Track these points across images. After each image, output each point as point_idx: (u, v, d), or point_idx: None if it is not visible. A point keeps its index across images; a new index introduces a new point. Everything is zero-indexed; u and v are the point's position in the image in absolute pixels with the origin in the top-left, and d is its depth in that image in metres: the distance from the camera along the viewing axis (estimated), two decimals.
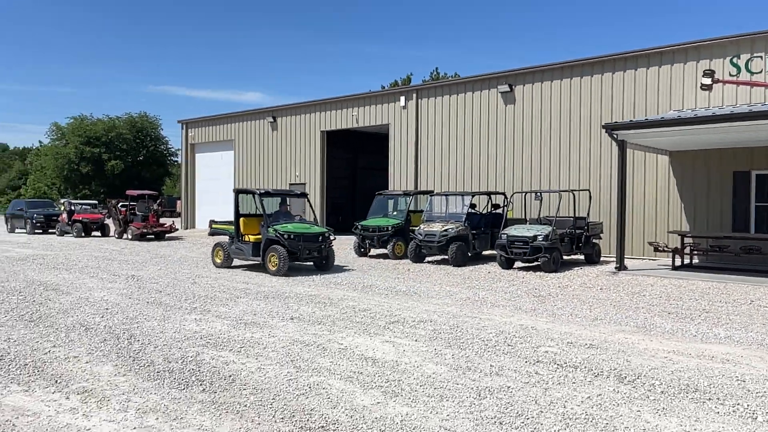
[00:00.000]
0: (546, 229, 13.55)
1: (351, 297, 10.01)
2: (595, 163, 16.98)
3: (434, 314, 8.48)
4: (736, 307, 9.03)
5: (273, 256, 13.10)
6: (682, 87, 15.57)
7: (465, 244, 14.65)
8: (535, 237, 13.32)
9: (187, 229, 29.64)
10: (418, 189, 20.69)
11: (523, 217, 15.70)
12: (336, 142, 27.29)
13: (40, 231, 27.63)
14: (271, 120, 26.20)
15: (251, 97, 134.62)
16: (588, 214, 15.22)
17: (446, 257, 14.86)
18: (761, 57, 14.44)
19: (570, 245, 14.25)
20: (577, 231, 14.45)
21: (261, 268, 13.87)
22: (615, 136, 13.21)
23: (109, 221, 26.20)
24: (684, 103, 15.52)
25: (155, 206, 23.85)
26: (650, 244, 13.86)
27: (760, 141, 13.48)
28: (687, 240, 14.42)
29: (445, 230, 14.68)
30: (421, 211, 17.39)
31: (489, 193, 16.65)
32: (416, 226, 15.88)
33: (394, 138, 21.94)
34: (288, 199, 15.22)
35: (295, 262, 13.89)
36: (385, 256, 16.51)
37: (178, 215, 42.40)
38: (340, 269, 14.02)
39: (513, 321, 8.07)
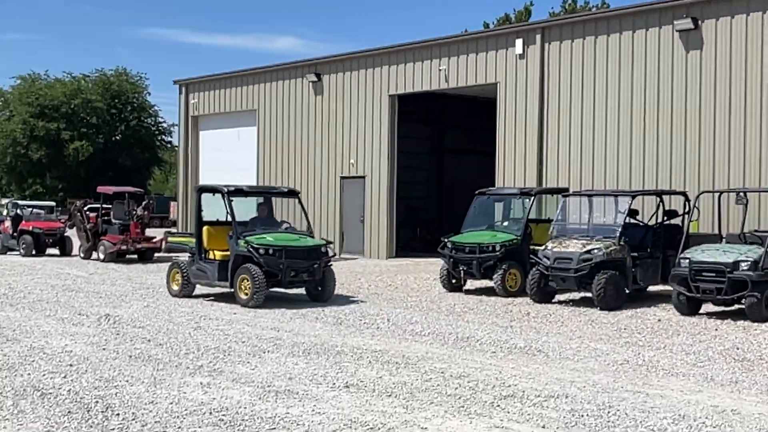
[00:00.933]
0: (755, 252, 13.15)
1: (437, 355, 9.99)
2: None
3: (572, 386, 8.35)
4: None
5: (244, 279, 14.06)
6: None
7: (620, 273, 14.45)
8: (736, 264, 12.96)
9: None
10: (544, 186, 20.48)
11: (717, 232, 15.25)
12: (412, 113, 27.41)
13: None
14: (314, 79, 26.70)
15: (283, 45, 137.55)
16: None
17: (589, 295, 14.66)
18: None
19: None
20: None
21: (232, 297, 14.70)
22: None
23: (71, 232, 27.35)
24: None
25: (139, 210, 24.68)
26: None
27: None
28: None
29: (588, 252, 14.51)
30: (548, 221, 17.20)
31: (660, 193, 16.23)
32: (540, 245, 15.73)
33: (504, 105, 21.83)
34: (272, 200, 16.30)
35: (275, 288, 14.80)
36: (490, 291, 16.45)
37: (173, 224, 43.83)
38: (418, 310, 14.07)
39: (701, 399, 7.87)
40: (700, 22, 18.26)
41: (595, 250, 14.48)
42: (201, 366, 9.16)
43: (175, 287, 15.59)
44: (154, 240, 24.49)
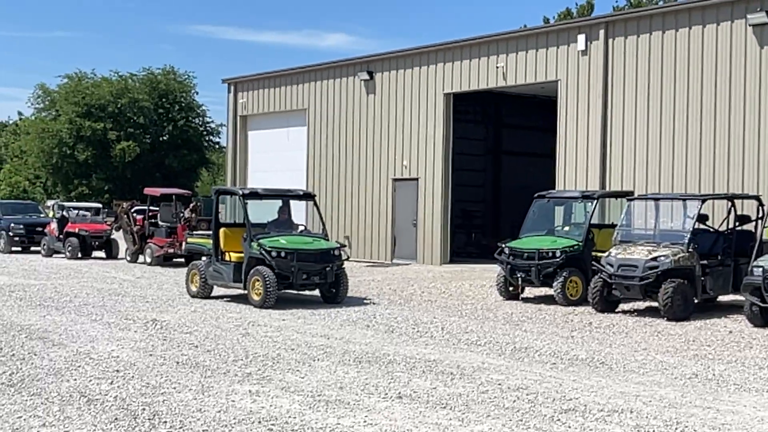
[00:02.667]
0: None
1: (494, 366, 9.99)
2: None
3: (636, 400, 8.30)
4: None
5: (256, 280, 15.03)
6: None
7: (689, 282, 14.31)
8: None
9: None
10: (607, 189, 20.28)
11: None
12: (467, 112, 27.33)
13: (19, 248, 29.92)
14: (366, 77, 26.80)
15: (334, 42, 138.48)
16: None
17: (655, 304, 14.52)
18: None
19: None
20: None
21: (246, 299, 15.55)
22: None
23: (117, 235, 27.85)
24: None
25: (187, 213, 25.00)
26: None
27: None
28: None
29: (655, 259, 14.38)
30: (612, 226, 17.05)
31: (731, 197, 15.99)
32: (603, 251, 15.62)
33: (566, 104, 21.68)
34: (290, 203, 17.16)
35: (288, 291, 15.77)
36: (549, 300, 16.37)
37: None
38: (474, 319, 14.07)
39: None
40: None
41: (662, 257, 14.34)
42: (249, 373, 9.28)
43: (194, 288, 16.49)
44: None
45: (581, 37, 21.32)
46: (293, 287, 15.44)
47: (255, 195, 16.59)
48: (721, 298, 16.00)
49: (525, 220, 17.78)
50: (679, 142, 19.41)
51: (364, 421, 7.33)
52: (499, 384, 8.92)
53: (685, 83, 19.34)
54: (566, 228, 17.62)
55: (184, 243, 19.18)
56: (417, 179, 25.30)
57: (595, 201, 17.16)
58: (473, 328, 12.96)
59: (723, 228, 15.87)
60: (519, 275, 16.51)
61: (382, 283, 19.57)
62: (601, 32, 20.93)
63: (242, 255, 15.57)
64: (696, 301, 14.52)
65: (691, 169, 19.18)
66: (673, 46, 19.60)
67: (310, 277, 15.30)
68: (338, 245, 16.12)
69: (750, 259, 13.90)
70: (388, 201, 26.18)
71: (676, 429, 7.24)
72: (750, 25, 18.25)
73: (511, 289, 16.84)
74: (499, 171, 30.09)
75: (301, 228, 16.94)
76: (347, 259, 16.49)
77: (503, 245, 17.01)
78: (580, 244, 16.33)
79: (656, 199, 16.28)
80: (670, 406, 8.05)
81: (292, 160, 29.28)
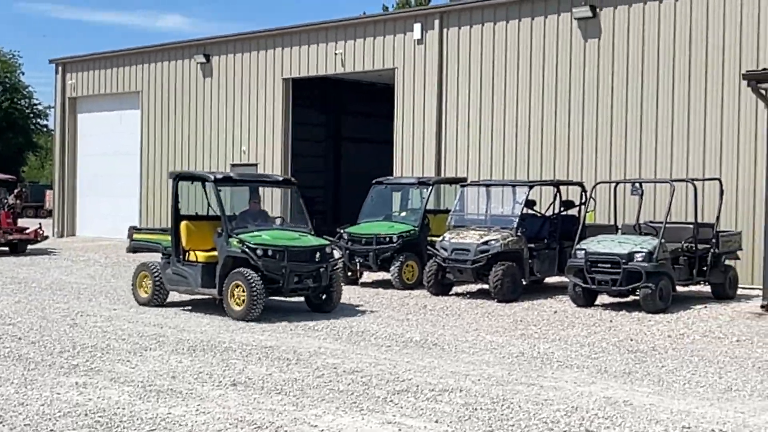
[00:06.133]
0: (649, 243, 13.62)
1: (330, 350, 10.06)
2: (730, 135, 17.00)
3: (466, 379, 8.54)
4: None
5: (238, 286, 12.32)
6: None
7: (517, 265, 14.78)
8: (631, 255, 13.40)
9: (62, 237, 29.65)
10: (442, 175, 20.74)
11: (612, 222, 15.74)
12: (307, 98, 27.27)
13: None
14: (203, 60, 26.29)
15: (169, 24, 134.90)
16: (717, 219, 15.28)
17: (486, 286, 14.96)
18: None
19: (687, 269, 14.28)
20: (700, 246, 14.48)
21: (218, 307, 12.99)
22: (763, 92, 13.21)
23: None
24: None
25: (11, 199, 24.07)
26: None
27: None
28: None
29: (485, 243, 14.79)
30: (446, 211, 17.45)
31: (557, 183, 16.67)
32: (438, 236, 15.96)
33: (402, 91, 21.97)
34: (261, 191, 14.79)
35: (275, 297, 13.05)
36: (387, 284, 16.61)
37: (48, 214, 42.62)
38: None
39: (594, 391, 8.13)
40: (598, 10, 18.70)
41: (492, 241, 14.75)
42: (76, 365, 8.98)
43: (144, 294, 13.67)
44: (27, 231, 23.84)
45: (417, 26, 21.64)
46: (282, 293, 12.74)
47: (229, 180, 13.93)
48: (548, 280, 16.60)
49: (363, 205, 17.96)
50: (509, 130, 20.02)
51: (197, 410, 7.23)
52: (335, 368, 9.00)
53: (515, 74, 19.95)
54: (403, 213, 17.91)
55: (130, 240, 15.45)
56: (256, 165, 25.07)
57: (431, 187, 17.51)
58: (310, 313, 12.97)
59: (549, 213, 16.52)
60: (357, 260, 16.68)
61: None
62: (436, 22, 21.31)
63: (213, 254, 12.93)
64: (524, 282, 15.04)
65: (521, 157, 19.83)
66: (504, 37, 20.17)
67: (303, 280, 12.65)
68: (330, 242, 13.72)
69: (574, 243, 14.51)
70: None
71: (502, 405, 7.49)
72: (575, 19, 18.99)
73: (349, 274, 16.97)
74: (339, 157, 30.25)
75: (278, 220, 14.34)
76: (341, 258, 14.70)
77: (342, 231, 17.12)
78: (416, 229, 16.63)
79: (488, 186, 16.76)
80: (497, 384, 8.33)
81: (125, 144, 28.49)
